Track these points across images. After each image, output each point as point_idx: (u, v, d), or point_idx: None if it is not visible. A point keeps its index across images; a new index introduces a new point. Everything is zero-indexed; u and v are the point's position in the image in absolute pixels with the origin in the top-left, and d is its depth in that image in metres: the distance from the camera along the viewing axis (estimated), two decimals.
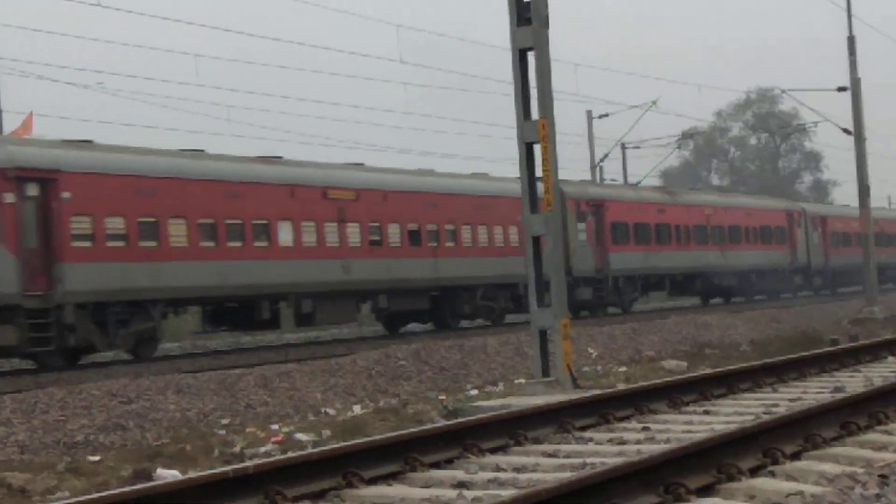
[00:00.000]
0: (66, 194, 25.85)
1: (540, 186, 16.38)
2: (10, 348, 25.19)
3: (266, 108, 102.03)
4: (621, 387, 14.81)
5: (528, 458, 9.53)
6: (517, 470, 9.05)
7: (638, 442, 10.18)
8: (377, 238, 33.37)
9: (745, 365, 15.96)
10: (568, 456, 9.65)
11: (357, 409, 16.64)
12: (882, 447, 9.19)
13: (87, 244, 26.22)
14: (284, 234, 30.78)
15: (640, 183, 59.71)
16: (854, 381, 14.49)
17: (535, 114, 16.53)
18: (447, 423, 11.00)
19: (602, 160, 60.56)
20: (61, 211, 25.73)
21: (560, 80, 19.22)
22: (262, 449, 12.63)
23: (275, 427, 14.72)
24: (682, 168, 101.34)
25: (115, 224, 26.89)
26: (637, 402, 12.25)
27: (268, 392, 18.21)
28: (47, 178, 25.63)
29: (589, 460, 9.16)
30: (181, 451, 12.65)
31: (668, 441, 9.93)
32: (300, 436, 13.48)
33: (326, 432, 13.62)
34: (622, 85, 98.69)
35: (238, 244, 29.54)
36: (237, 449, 12.73)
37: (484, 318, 37.71)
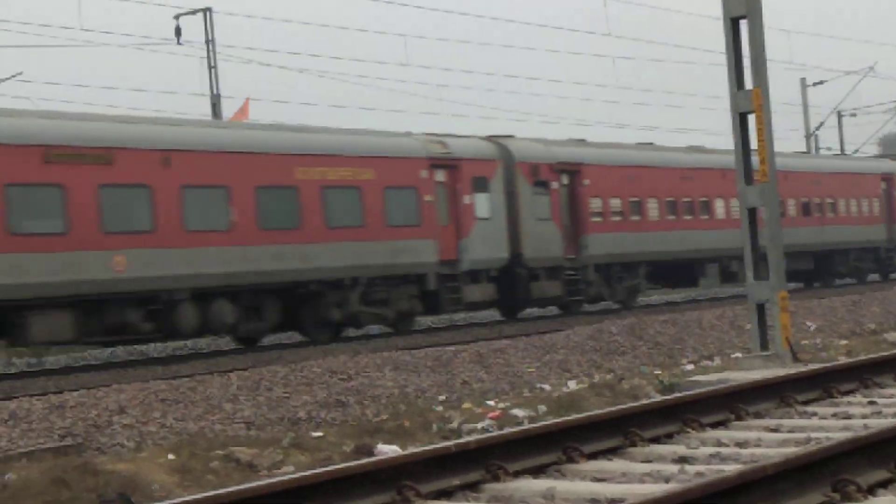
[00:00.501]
0: (586, 181, 35.01)
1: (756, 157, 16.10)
2: (556, 298, 33.92)
3: (469, 86, 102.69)
4: (843, 360, 14.44)
5: (750, 433, 9.38)
6: (739, 445, 8.91)
7: (864, 416, 9.91)
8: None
9: None
10: (791, 431, 9.45)
11: (572, 385, 16.61)
12: None
13: (599, 219, 35.45)
14: (719, 209, 39.75)
15: (856, 152, 58.05)
16: None
17: (748, 83, 16.25)
18: (665, 398, 10.89)
19: (817, 129, 59.14)
20: (583, 195, 35.00)
21: (772, 48, 18.79)
22: (480, 425, 12.72)
23: (491, 403, 14.81)
24: None
25: (616, 204, 36.12)
26: (861, 375, 11.94)
27: (483, 368, 18.34)
28: (574, 171, 34.83)
29: (813, 435, 8.96)
30: (400, 427, 12.83)
31: None
32: (516, 411, 13.53)
33: (542, 408, 13.63)
34: (837, 50, 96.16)
35: (689, 217, 38.55)
36: (455, 424, 12.85)
37: (852, 278, 45.94)
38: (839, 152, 59.68)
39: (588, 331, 22.22)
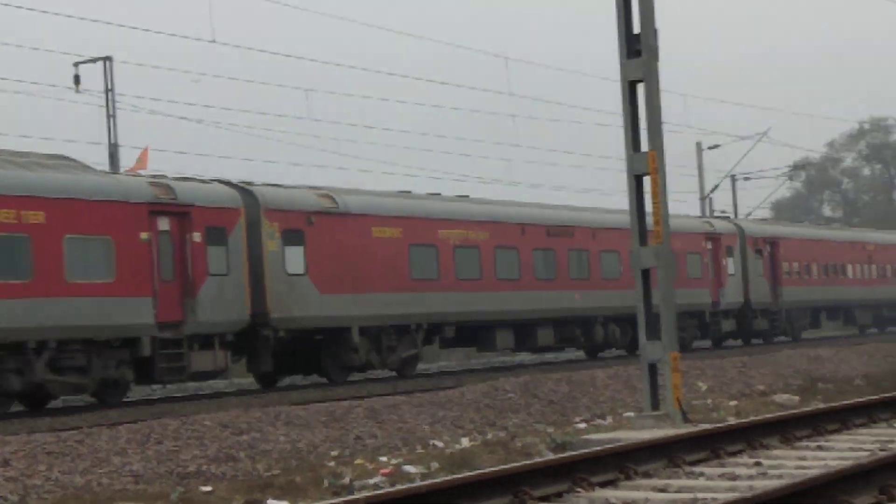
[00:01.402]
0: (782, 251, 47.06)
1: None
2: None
3: (374, 142, 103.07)
4: (732, 421, 14.63)
5: (638, 493, 9.46)
6: None
7: (750, 477, 10.05)
8: None
9: (859, 399, 15.68)
10: (678, 491, 9.55)
11: (465, 442, 16.62)
12: None
13: (793, 277, 47.76)
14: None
15: (749, 216, 59.09)
16: None
17: (644, 146, 16.48)
18: (556, 457, 10.96)
19: (712, 191, 60.09)
20: (779, 258, 46.84)
21: (669, 111, 19.17)
22: (371, 481, 12.66)
23: (383, 459, 14.76)
24: (794, 199, 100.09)
25: (798, 266, 48.49)
26: (749, 436, 12.11)
27: (377, 424, 18.28)
28: (774, 242, 47.34)
29: (700, 496, 9.07)
30: (291, 483, 12.74)
31: (780, 477, 9.79)
32: (409, 468, 13.50)
33: (435, 465, 13.62)
34: (732, 115, 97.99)
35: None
36: (346, 480, 12.78)
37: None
38: (733, 215, 60.72)
39: (483, 388, 22.27)
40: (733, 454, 11.54)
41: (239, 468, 14.50)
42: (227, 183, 28.22)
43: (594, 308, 36.83)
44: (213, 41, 31.15)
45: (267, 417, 18.21)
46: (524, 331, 34.84)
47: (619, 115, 16.67)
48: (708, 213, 57.00)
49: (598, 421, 19.24)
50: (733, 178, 63.77)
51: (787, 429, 12.70)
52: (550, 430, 17.71)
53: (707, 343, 44.16)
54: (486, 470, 10.11)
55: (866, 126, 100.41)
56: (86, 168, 26.11)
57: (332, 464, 14.56)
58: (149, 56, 47.57)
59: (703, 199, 58.77)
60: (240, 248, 27.12)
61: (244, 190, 28.16)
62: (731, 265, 43.83)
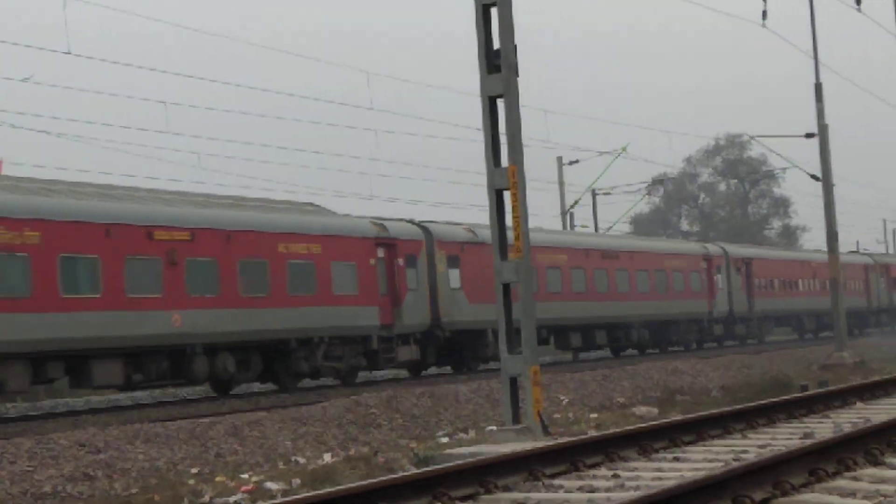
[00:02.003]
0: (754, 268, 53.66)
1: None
2: None
3: (232, 155, 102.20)
4: (592, 434, 14.79)
5: None
6: None
7: (608, 490, 10.16)
8: None
9: (715, 411, 15.97)
10: None
11: (328, 458, 16.56)
12: (850, 494, 9.21)
13: (763, 290, 54.32)
14: None
15: (610, 230, 59.96)
16: (823, 427, 14.52)
17: (504, 161, 16.59)
18: (416, 472, 10.96)
19: (572, 206, 60.83)
20: (753, 275, 53.63)
21: (529, 127, 19.30)
22: (232, 498, 12.55)
23: (245, 476, 14.63)
24: (653, 214, 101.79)
25: (765, 281, 55.31)
26: (607, 449, 12.25)
27: (238, 440, 18.12)
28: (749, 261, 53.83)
29: None
30: (150, 501, 12.57)
31: (637, 488, 9.92)
32: (270, 484, 13.40)
33: (296, 481, 13.54)
34: (592, 131, 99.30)
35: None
36: (206, 499, 12.65)
37: None
38: (593, 230, 61.50)
39: (345, 403, 22.19)
40: (592, 466, 11.65)
41: (96, 487, 14.27)
42: (411, 221, 36.85)
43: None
44: (69, 52, 30.48)
45: (125, 435, 17.91)
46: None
47: (472, 129, 16.80)
48: (569, 228, 57.70)
49: (461, 435, 19.32)
50: (594, 193, 64.66)
51: (644, 441, 12.86)
52: (413, 444, 17.74)
53: (713, 345, 51.65)
54: (346, 486, 10.07)
55: (722, 142, 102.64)
56: (330, 212, 34.39)
57: (192, 481, 14.39)
58: (6, 69, 46.51)
59: (563, 213, 59.46)
60: (423, 270, 35.47)
61: (422, 226, 36.60)
62: (719, 281, 51.98)
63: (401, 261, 34.84)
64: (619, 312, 44.35)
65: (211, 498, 12.63)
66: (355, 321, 32.56)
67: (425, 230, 36.49)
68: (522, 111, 16.58)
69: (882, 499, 8.64)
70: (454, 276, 36.96)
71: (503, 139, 16.62)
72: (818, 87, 36.88)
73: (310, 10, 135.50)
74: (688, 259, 49.76)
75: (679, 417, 15.84)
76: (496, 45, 16.50)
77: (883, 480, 9.71)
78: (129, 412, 25.54)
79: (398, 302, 34.37)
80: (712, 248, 53.05)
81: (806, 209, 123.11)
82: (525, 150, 16.60)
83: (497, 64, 16.53)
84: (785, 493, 9.15)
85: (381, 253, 34.20)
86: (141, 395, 34.54)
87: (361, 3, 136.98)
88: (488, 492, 10.24)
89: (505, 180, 16.48)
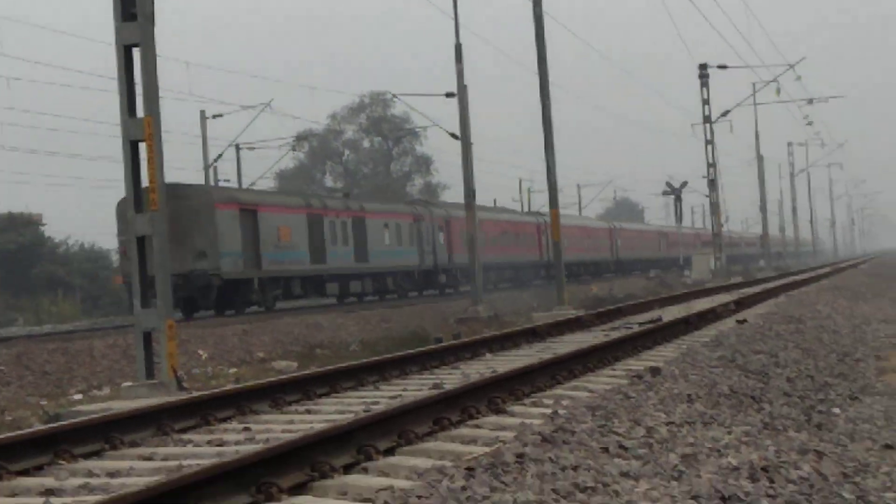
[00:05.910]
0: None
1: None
2: None
3: None
4: (228, 387, 14.72)
5: (123, 463, 9.33)
6: (110, 475, 8.84)
7: (238, 443, 10.14)
8: None
9: (349, 364, 16.17)
10: (165, 459, 9.51)
11: None
12: (471, 441, 9.52)
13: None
14: None
15: (253, 185, 59.73)
16: (452, 378, 14.93)
17: (140, 112, 16.25)
18: (37, 429, 10.61)
19: (216, 161, 60.23)
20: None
21: (171, 79, 18.92)
22: None
23: None
24: (297, 170, 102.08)
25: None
26: (239, 402, 12.22)
27: None
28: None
29: (186, 462, 9.05)
30: None
31: (267, 441, 9.94)
32: None
33: None
34: (237, 86, 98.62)
35: None
36: None
37: None
38: (237, 185, 61.11)
39: None
40: (223, 420, 11.60)
41: None
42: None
43: None
44: None
45: None
46: None
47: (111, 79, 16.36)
48: (213, 182, 57.10)
49: (96, 392, 18.89)
50: (237, 148, 64.24)
51: (277, 394, 12.90)
52: (44, 402, 17.21)
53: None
54: None
55: (367, 100, 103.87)
56: (505, 209, 47.49)
57: None
58: None
59: (207, 168, 58.77)
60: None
61: None
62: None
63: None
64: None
65: None
66: None
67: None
68: (163, 63, 16.33)
69: (501, 444, 8.95)
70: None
71: (140, 90, 16.27)
72: (458, 49, 37.80)
73: None
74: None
75: (313, 370, 15.95)
76: None
77: (503, 427, 10.07)
78: None
79: None
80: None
81: (447, 167, 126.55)
82: (164, 101, 16.32)
83: (133, 12, 16.13)
84: (409, 442, 9.36)
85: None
86: None
87: None
88: (114, 448, 10.04)
89: (140, 131, 16.13)
